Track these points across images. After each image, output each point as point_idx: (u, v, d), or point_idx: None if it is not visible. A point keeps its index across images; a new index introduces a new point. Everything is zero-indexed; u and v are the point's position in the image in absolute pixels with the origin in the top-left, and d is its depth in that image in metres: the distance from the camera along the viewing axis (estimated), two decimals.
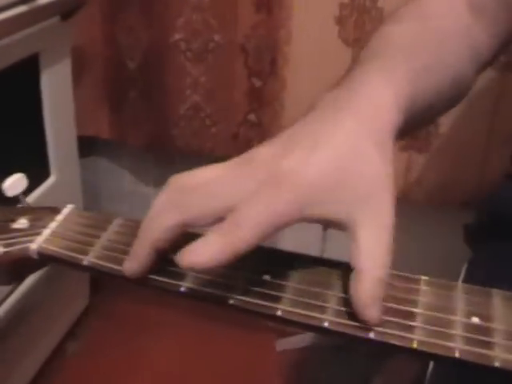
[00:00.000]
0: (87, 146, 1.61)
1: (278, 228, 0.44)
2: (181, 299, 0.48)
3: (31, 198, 1.19)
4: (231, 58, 1.36)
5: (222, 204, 0.44)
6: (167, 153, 1.55)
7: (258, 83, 1.35)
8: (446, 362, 0.43)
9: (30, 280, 1.30)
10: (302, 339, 1.59)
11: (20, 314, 1.31)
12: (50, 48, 1.24)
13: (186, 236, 0.45)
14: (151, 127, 1.49)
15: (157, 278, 0.48)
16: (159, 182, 1.67)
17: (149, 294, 1.47)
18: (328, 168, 0.45)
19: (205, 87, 1.40)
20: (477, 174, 1.30)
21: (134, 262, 0.47)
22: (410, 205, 1.39)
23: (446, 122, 1.28)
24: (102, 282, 1.67)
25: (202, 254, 0.43)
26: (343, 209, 0.45)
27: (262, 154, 0.46)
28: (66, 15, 1.24)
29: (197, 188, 0.46)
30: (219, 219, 0.44)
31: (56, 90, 1.30)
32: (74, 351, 1.57)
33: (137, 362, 1.55)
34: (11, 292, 1.26)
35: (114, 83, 1.48)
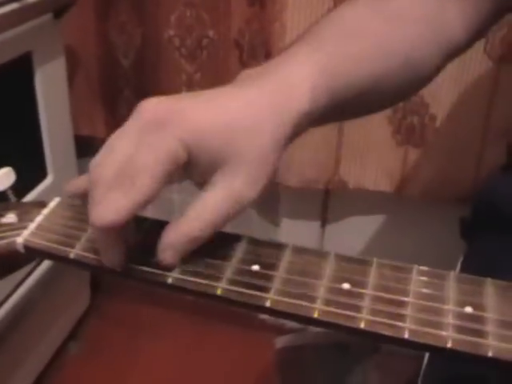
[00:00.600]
0: (85, 146, 1.60)
1: (171, 170, 0.44)
2: (179, 297, 0.47)
3: (29, 199, 1.19)
4: (225, 53, 1.35)
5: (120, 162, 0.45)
6: None
7: None
8: (438, 353, 0.42)
9: (30, 281, 1.30)
10: (300, 337, 1.58)
11: (21, 315, 1.30)
12: (43, 46, 1.23)
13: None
14: None
15: (144, 269, 0.47)
16: None
17: (149, 294, 1.47)
18: (217, 120, 0.46)
19: (200, 84, 1.39)
20: (473, 169, 1.29)
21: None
22: (407, 200, 1.39)
23: (441, 116, 1.28)
24: (102, 282, 1.68)
25: (109, 213, 0.43)
26: (215, 160, 0.46)
27: (153, 102, 0.47)
28: (59, 13, 1.23)
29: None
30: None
31: (51, 89, 1.29)
32: (76, 352, 1.57)
33: (137, 361, 1.55)
34: (12, 293, 1.26)
35: (108, 82, 1.47)
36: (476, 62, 1.21)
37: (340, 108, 0.54)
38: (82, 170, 1.49)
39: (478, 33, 0.67)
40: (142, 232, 0.49)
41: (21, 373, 1.39)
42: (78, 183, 0.51)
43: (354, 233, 1.49)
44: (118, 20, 1.39)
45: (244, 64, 1.33)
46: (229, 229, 0.48)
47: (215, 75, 1.37)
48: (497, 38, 1.19)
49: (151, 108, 0.46)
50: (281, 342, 1.59)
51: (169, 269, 0.46)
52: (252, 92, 0.48)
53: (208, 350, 1.59)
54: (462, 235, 0.89)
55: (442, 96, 1.26)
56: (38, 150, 1.30)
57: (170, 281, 0.46)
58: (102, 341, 1.61)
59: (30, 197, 1.22)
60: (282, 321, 1.58)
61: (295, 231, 1.53)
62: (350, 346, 1.53)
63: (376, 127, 1.32)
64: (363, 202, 1.45)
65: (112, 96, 1.48)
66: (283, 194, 1.50)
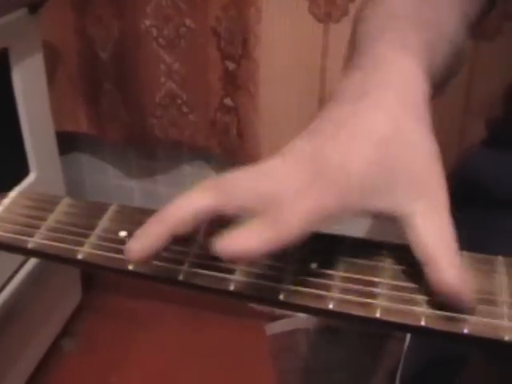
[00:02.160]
0: (68, 142, 1.58)
1: (326, 223, 0.40)
2: (170, 290, 0.45)
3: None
4: (203, 41, 1.32)
5: (267, 199, 0.40)
6: (148, 145, 1.51)
7: (231, 66, 1.31)
8: (412, 332, 0.40)
9: (19, 278, 1.28)
10: (291, 322, 1.57)
11: (11, 312, 1.28)
12: (20, 43, 1.20)
13: None
14: (128, 118, 1.45)
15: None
16: (143, 174, 1.64)
17: (141, 288, 1.45)
18: (373, 155, 0.41)
19: (179, 73, 1.36)
20: (455, 146, 1.27)
21: (142, 242, 0.41)
22: None
23: None
24: (93, 278, 1.67)
25: (245, 242, 0.37)
26: (394, 198, 0.41)
27: (299, 148, 0.43)
28: (34, 8, 1.20)
29: (243, 178, 0.42)
30: (259, 211, 0.39)
31: (29, 85, 1.26)
32: (70, 348, 1.56)
33: (132, 355, 1.54)
34: (0, 290, 1.24)
35: (88, 76, 1.44)
36: None
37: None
38: (66, 166, 1.47)
39: (483, 13, 0.65)
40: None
41: (15, 370, 1.37)
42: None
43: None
44: (95, 13, 1.36)
45: (222, 51, 1.30)
46: None
47: (194, 64, 1.34)
48: None
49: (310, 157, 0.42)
50: (272, 328, 1.58)
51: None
52: (379, 100, 0.45)
53: (201, 341, 1.57)
54: None
55: None
56: (20, 147, 1.27)
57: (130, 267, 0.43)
58: (96, 336, 1.60)
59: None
60: (270, 307, 1.57)
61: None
62: (341, 329, 1.52)
63: None
64: None
65: (93, 90, 1.46)
66: None
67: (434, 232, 0.41)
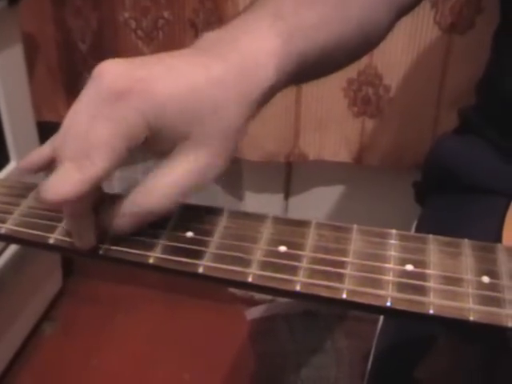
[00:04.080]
0: (48, 132, 1.56)
1: (130, 144, 0.40)
2: (150, 274, 0.44)
3: None
4: (181, 33, 1.30)
5: (66, 126, 0.42)
6: None
7: None
8: (379, 313, 0.39)
9: None
10: (270, 308, 1.57)
11: None
12: None
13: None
14: None
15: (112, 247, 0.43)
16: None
17: (121, 273, 1.45)
18: (181, 94, 0.41)
19: None
20: (429, 136, 1.27)
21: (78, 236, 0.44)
22: (366, 169, 1.36)
23: (395, 86, 1.25)
24: (74, 264, 1.65)
25: (62, 187, 0.40)
26: (178, 134, 0.42)
27: (111, 67, 0.42)
28: (13, 0, 1.18)
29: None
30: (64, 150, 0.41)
31: (9, 76, 1.24)
32: (51, 332, 1.55)
33: (112, 339, 1.53)
34: None
35: (67, 67, 1.42)
36: (427, 32, 1.19)
37: (301, 73, 0.50)
38: None
39: None
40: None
41: None
42: (40, 153, 0.48)
43: (316, 203, 1.47)
44: (73, 5, 1.34)
45: None
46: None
47: None
48: (446, 7, 1.16)
49: (110, 75, 0.41)
50: (251, 313, 1.58)
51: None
52: (217, 67, 0.43)
53: (181, 325, 1.56)
54: (417, 199, 0.87)
55: (395, 66, 1.23)
56: (0, 136, 1.25)
57: (100, 252, 0.42)
58: (76, 320, 1.59)
59: None
60: (251, 293, 1.57)
61: (259, 205, 1.50)
62: (319, 313, 1.52)
63: (332, 100, 1.30)
64: (324, 172, 1.43)
65: (72, 80, 1.43)
66: (246, 169, 1.47)
67: (163, 171, 0.42)
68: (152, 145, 0.42)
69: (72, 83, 1.44)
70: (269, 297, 1.56)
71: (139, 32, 1.32)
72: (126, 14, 1.30)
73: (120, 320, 1.58)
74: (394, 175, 1.36)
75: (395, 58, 1.22)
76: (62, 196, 0.39)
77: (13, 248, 1.30)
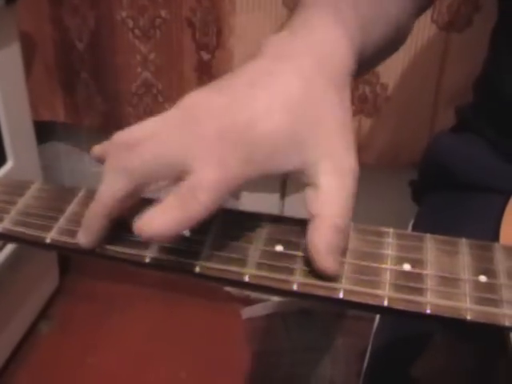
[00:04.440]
0: (46, 131, 1.56)
1: (237, 188, 0.39)
2: (147, 273, 0.44)
3: None
4: (178, 32, 1.30)
5: (174, 167, 0.39)
6: None
7: (206, 56, 1.30)
8: (376, 312, 0.39)
9: None
10: (266, 307, 1.57)
11: None
12: None
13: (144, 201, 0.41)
14: (105, 107, 1.43)
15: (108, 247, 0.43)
16: None
17: (118, 271, 1.44)
18: (282, 117, 0.40)
19: (155, 63, 1.35)
20: (426, 134, 1.27)
21: (87, 234, 0.43)
22: (362, 167, 1.36)
23: (392, 84, 1.25)
24: (71, 262, 1.65)
25: (161, 224, 0.38)
26: (302, 159, 0.40)
27: (204, 104, 0.41)
28: None
29: (143, 144, 0.40)
30: (173, 180, 0.39)
31: (6, 75, 1.24)
32: (47, 331, 1.55)
33: (108, 337, 1.53)
34: None
35: (64, 66, 1.42)
36: (424, 30, 1.19)
37: (358, 71, 0.49)
38: (43, 155, 1.45)
39: None
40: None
41: None
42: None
43: None
44: (71, 3, 1.33)
45: (197, 42, 1.29)
46: None
47: (169, 54, 1.33)
48: (443, 6, 1.16)
49: (216, 114, 0.40)
50: (247, 312, 1.57)
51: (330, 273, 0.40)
52: (299, 61, 0.43)
53: (177, 324, 1.56)
54: (413, 198, 0.86)
55: (392, 65, 1.23)
56: None
57: (97, 250, 0.42)
58: (73, 319, 1.58)
59: None
60: (247, 292, 1.57)
61: (255, 204, 1.49)
62: (315, 312, 1.52)
63: None
64: None
65: (70, 80, 1.43)
66: None
67: (331, 191, 0.40)
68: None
69: (69, 82, 1.43)
70: (265, 296, 1.56)
71: (136, 31, 1.32)
72: (124, 13, 1.30)
73: (117, 318, 1.58)
74: (390, 174, 1.36)
75: (392, 56, 1.22)
76: (161, 234, 0.38)
77: (10, 247, 1.30)
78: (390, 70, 1.24)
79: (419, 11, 0.64)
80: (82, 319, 1.58)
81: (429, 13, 1.17)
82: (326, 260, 0.39)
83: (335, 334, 1.50)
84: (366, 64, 0.52)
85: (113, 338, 1.53)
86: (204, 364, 1.47)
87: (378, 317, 0.70)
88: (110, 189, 0.41)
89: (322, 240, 0.39)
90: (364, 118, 1.29)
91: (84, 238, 0.43)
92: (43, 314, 1.56)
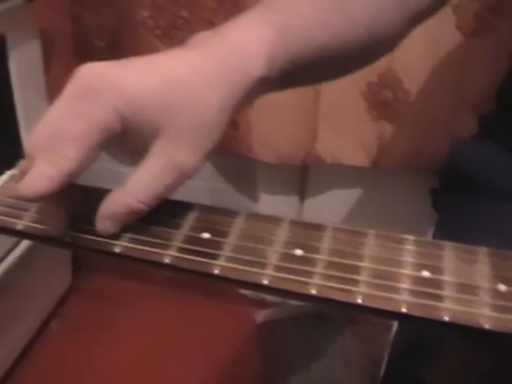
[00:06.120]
0: None
1: (102, 138, 0.41)
2: (159, 272, 0.45)
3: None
4: None
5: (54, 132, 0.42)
6: None
7: None
8: (394, 318, 0.40)
9: (10, 259, 1.28)
10: (281, 311, 1.57)
11: (2, 292, 1.28)
12: (17, 30, 1.20)
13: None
14: None
15: (92, 238, 0.44)
16: (135, 160, 1.62)
17: (129, 270, 1.45)
18: (156, 86, 0.42)
19: None
20: (446, 141, 1.26)
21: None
22: (382, 173, 1.36)
23: (415, 90, 1.25)
24: (83, 261, 1.66)
25: (36, 183, 0.41)
26: (154, 129, 0.42)
27: (88, 68, 0.43)
28: None
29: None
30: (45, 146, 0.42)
31: (26, 71, 1.26)
32: (58, 329, 1.56)
33: (118, 337, 1.54)
34: None
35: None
36: (448, 37, 1.19)
37: (298, 72, 0.49)
38: None
39: None
40: (88, 201, 0.46)
41: (4, 349, 1.38)
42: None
43: (332, 207, 1.47)
44: (92, 2, 1.35)
45: None
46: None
47: None
48: (469, 13, 1.16)
49: (86, 74, 0.42)
50: (261, 316, 1.58)
51: (115, 237, 0.43)
52: (198, 55, 0.44)
53: (188, 325, 1.57)
54: (434, 205, 0.87)
55: (415, 71, 1.23)
56: (14, 132, 1.26)
57: (117, 250, 0.43)
58: (84, 317, 1.60)
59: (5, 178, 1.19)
60: (262, 295, 1.57)
61: (274, 207, 1.50)
62: (329, 317, 1.52)
63: (351, 103, 1.30)
64: (340, 176, 1.43)
65: None
66: (261, 170, 1.47)
67: (142, 172, 0.43)
68: (129, 140, 0.43)
69: None
70: (280, 299, 1.57)
71: (157, 31, 1.33)
72: (145, 13, 1.31)
73: (128, 318, 1.59)
74: (410, 180, 1.36)
75: (415, 62, 1.22)
76: (37, 192, 0.41)
77: (23, 245, 1.31)
78: (413, 76, 1.24)
79: (417, 16, 0.60)
80: (92, 317, 1.59)
81: (453, 19, 1.17)
82: (102, 223, 0.43)
83: (349, 339, 1.50)
84: (324, 65, 0.52)
85: (124, 337, 1.54)
86: (215, 366, 1.47)
87: (396, 324, 0.71)
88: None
89: (108, 208, 0.43)
90: (385, 123, 1.30)
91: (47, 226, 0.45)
92: (55, 313, 1.57)
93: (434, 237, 0.79)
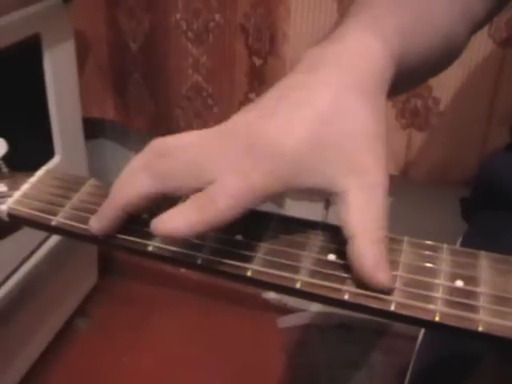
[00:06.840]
0: (95, 128, 1.59)
1: (258, 201, 0.40)
2: (185, 276, 0.45)
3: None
4: (231, 37, 1.31)
5: (201, 177, 0.40)
6: (171, 134, 1.51)
7: (258, 62, 1.31)
8: (427, 327, 0.39)
9: (37, 257, 1.30)
10: (303, 317, 1.56)
11: (28, 289, 1.30)
12: (52, 29, 1.21)
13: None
14: (154, 108, 1.46)
15: (124, 237, 0.44)
16: None
17: (156, 273, 1.46)
18: (308, 133, 0.40)
19: (206, 67, 1.36)
20: (477, 152, 1.25)
21: (100, 221, 0.44)
22: (411, 182, 1.35)
23: (445, 99, 1.24)
24: (110, 262, 1.68)
25: (176, 224, 0.39)
26: (327, 176, 0.41)
27: (241, 121, 0.42)
28: None
29: (176, 153, 0.42)
30: (196, 188, 0.40)
31: (60, 70, 1.27)
32: (84, 327, 1.57)
33: (143, 339, 1.55)
34: (19, 267, 1.26)
35: (117, 66, 1.45)
36: (480, 45, 1.18)
37: (399, 81, 0.49)
38: (90, 151, 1.48)
39: (498, 6, 0.63)
40: None
41: (29, 346, 1.39)
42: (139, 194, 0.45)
43: None
44: (126, 5, 1.36)
45: (250, 48, 1.30)
46: None
47: (221, 59, 1.34)
48: (502, 21, 1.15)
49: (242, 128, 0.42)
50: (284, 321, 1.57)
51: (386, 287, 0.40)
52: (328, 74, 0.43)
53: (213, 329, 1.57)
54: (463, 216, 0.86)
55: (445, 79, 1.22)
56: (47, 129, 1.28)
57: (150, 249, 0.43)
58: (110, 318, 1.61)
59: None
60: (284, 300, 1.56)
61: (299, 213, 1.49)
62: (354, 327, 1.51)
63: None
64: None
65: (121, 80, 1.46)
66: None
67: (360, 209, 0.40)
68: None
69: (121, 83, 1.46)
70: (302, 305, 1.56)
71: (190, 34, 1.34)
72: (178, 16, 1.32)
73: (153, 321, 1.59)
74: (440, 190, 1.35)
75: (446, 70, 1.21)
76: (177, 232, 0.39)
77: (51, 241, 1.32)
78: (443, 84, 1.23)
79: (475, 27, 0.62)
80: (119, 319, 1.60)
81: (486, 28, 1.15)
82: (377, 277, 0.39)
83: (374, 350, 1.49)
84: (412, 74, 0.52)
85: (148, 339, 1.55)
86: (238, 371, 1.47)
87: (420, 336, 0.70)
88: (134, 186, 0.42)
89: (366, 259, 0.39)
90: (415, 132, 1.29)
91: (95, 225, 0.45)
92: (81, 311, 1.58)
93: (462, 246, 0.78)
